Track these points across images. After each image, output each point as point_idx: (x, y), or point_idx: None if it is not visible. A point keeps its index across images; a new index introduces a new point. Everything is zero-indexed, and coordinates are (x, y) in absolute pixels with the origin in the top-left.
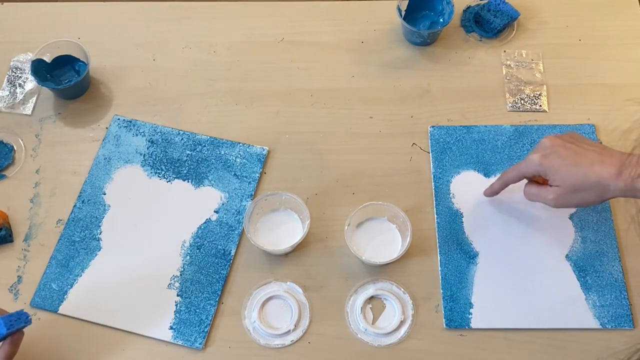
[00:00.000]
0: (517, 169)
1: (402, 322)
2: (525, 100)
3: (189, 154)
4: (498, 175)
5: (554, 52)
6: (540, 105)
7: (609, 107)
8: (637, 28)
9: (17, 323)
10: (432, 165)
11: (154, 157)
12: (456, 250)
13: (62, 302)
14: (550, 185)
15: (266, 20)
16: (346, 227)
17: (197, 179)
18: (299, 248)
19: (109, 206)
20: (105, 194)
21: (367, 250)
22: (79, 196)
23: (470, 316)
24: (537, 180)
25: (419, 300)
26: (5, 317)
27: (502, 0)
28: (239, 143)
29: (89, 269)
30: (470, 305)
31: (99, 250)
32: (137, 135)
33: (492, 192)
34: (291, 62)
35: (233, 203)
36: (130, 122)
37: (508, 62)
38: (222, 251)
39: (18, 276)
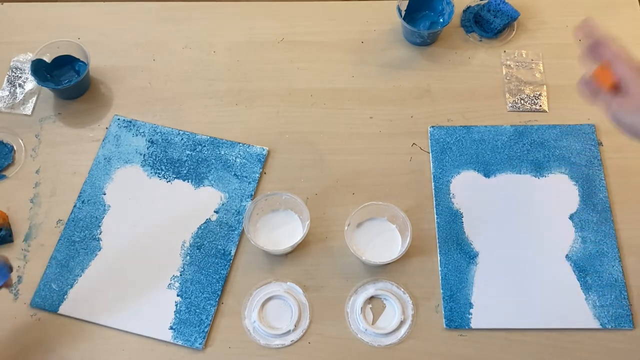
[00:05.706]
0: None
1: (402, 322)
2: (525, 100)
3: (189, 154)
4: (498, 176)
5: (554, 52)
6: (540, 105)
7: None
8: (637, 28)
9: None
10: (432, 165)
11: (154, 157)
12: (456, 250)
13: (62, 302)
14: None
15: (266, 20)
16: (346, 227)
17: (197, 179)
18: (299, 248)
19: (109, 206)
20: (105, 194)
21: (367, 250)
22: (79, 196)
23: (470, 316)
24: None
25: (419, 300)
26: None
27: (502, 0)
28: (239, 143)
29: (89, 269)
30: (470, 305)
31: (99, 250)
32: (137, 135)
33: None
34: (291, 62)
35: (233, 203)
36: (130, 122)
37: (508, 62)
38: (222, 251)
39: (18, 276)
